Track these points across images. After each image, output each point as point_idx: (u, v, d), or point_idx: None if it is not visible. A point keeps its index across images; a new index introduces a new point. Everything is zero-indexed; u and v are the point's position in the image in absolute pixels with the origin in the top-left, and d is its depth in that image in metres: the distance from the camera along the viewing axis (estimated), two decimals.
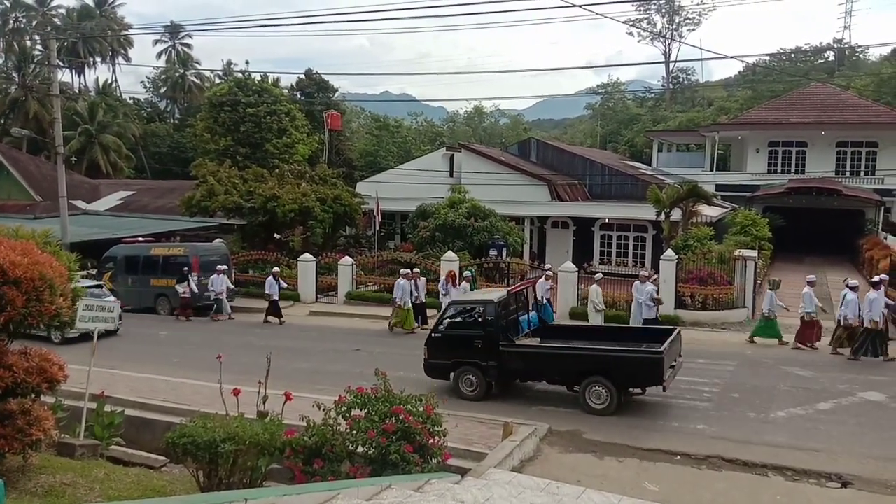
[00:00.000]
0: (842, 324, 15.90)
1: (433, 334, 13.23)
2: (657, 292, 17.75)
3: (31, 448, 7.00)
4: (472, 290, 19.03)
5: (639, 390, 11.92)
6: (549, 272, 20.67)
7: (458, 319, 13.24)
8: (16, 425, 6.78)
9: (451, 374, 12.86)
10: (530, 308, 14.36)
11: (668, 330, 13.00)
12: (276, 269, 22.89)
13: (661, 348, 11.37)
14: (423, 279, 20.87)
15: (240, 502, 4.70)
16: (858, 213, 36.60)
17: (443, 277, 21.01)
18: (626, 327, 16.67)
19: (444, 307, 14.66)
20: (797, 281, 27.84)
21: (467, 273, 20.16)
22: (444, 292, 20.26)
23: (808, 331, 16.85)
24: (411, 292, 19.86)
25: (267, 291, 21.86)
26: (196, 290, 22.75)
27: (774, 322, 17.55)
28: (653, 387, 11.52)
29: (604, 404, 11.40)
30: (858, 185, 36.53)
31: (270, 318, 21.68)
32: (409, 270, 20.76)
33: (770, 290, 17.92)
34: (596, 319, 18.16)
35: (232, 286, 23.56)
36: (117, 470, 8.16)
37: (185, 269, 22.89)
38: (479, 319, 12.76)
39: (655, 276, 18.36)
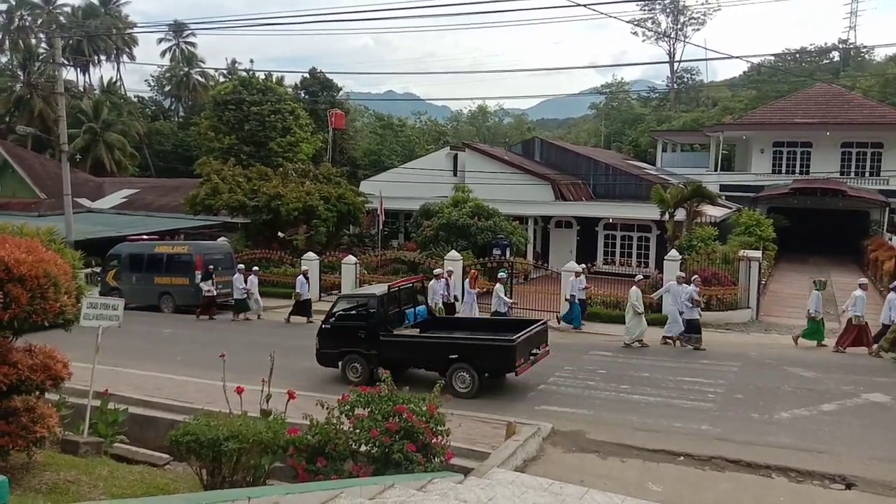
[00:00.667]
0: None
1: (324, 326, 14.27)
2: (697, 293, 17.36)
3: (35, 445, 7.01)
4: (504, 291, 18.86)
5: (503, 375, 13.15)
6: (579, 270, 20.55)
7: (346, 312, 14.35)
8: (20, 422, 6.79)
9: (340, 363, 13.95)
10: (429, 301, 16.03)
11: (535, 322, 14.27)
12: (305, 267, 22.73)
13: (513, 338, 12.40)
14: (452, 279, 20.41)
15: (243, 500, 4.71)
16: (863, 213, 36.51)
17: (465, 279, 20.55)
18: (503, 320, 17.01)
19: (334, 301, 15.62)
20: (801, 282, 27.92)
21: (502, 274, 19.47)
22: (469, 292, 19.99)
23: (852, 335, 16.50)
24: (441, 292, 19.41)
25: (297, 290, 21.41)
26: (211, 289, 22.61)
27: (821, 323, 17.26)
28: (507, 373, 12.84)
29: (468, 388, 12.49)
30: (863, 185, 36.43)
31: (294, 317, 21.29)
32: (441, 270, 20.38)
33: (816, 290, 17.56)
34: (635, 322, 17.29)
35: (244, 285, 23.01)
36: (121, 468, 8.17)
37: (211, 266, 22.75)
38: (364, 312, 13.87)
39: (696, 277, 18.05)
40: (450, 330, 14.61)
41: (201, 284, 22.54)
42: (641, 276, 19.37)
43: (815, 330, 17.17)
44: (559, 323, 19.70)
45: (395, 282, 15.56)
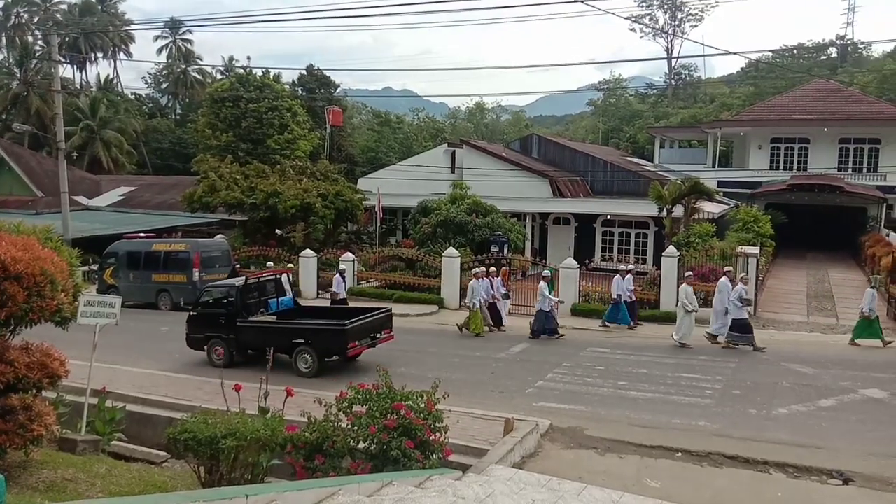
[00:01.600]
0: None
1: (192, 313, 15.79)
2: (746, 292, 16.84)
3: (32, 443, 6.99)
4: (549, 291, 18.07)
5: (336, 357, 14.41)
6: (625, 269, 20.07)
7: (210, 301, 15.74)
8: (17, 421, 6.77)
9: (205, 347, 15.23)
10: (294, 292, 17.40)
11: (377, 310, 15.46)
12: (342, 266, 22.30)
13: (345, 324, 13.92)
14: (498, 278, 19.68)
15: (241, 498, 4.70)
16: (861, 210, 36.57)
17: (497, 278, 19.76)
18: (356, 308, 17.28)
19: (200, 291, 17.21)
20: (798, 278, 27.96)
21: (547, 272, 18.84)
22: (504, 292, 19.74)
23: None
24: (485, 293, 18.68)
25: (334, 290, 20.89)
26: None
27: (875, 322, 16.64)
28: (340, 355, 14.21)
29: (309, 368, 14.07)
30: (861, 181, 36.48)
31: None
32: (482, 269, 19.62)
33: (872, 287, 17.29)
34: (686, 321, 16.87)
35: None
36: (118, 465, 8.16)
37: (238, 265, 22.39)
38: (224, 301, 15.27)
39: (744, 276, 17.59)
40: (313, 318, 15.93)
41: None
42: (549, 272, 19.00)
43: (867, 328, 16.54)
44: (606, 326, 19.18)
45: (255, 273, 17.35)
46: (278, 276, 16.77)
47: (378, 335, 14.85)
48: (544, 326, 17.92)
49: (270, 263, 23.04)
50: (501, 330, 18.99)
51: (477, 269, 19.49)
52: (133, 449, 9.59)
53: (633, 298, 19.55)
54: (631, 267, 20.27)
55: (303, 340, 14.22)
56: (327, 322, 14.82)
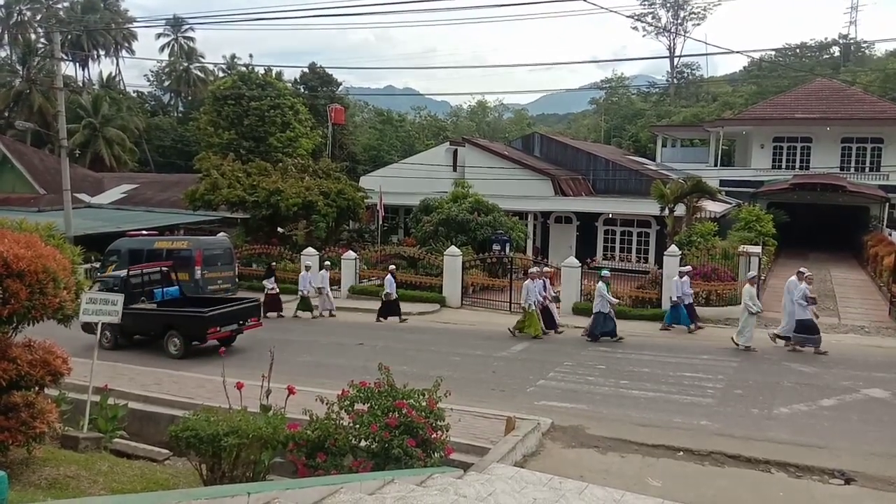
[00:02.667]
0: None
1: None
2: (810, 291, 16.26)
3: (34, 441, 7.00)
4: (607, 290, 17.58)
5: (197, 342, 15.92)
6: (685, 269, 19.12)
7: (102, 290, 16.36)
8: (20, 418, 6.79)
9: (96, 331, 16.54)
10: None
11: (244, 300, 17.63)
12: (392, 266, 22.16)
13: (207, 311, 15.76)
14: (546, 279, 19.11)
15: (243, 496, 4.70)
16: (863, 209, 36.50)
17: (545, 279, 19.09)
18: (230, 298, 19.42)
19: (92, 282, 17.72)
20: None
21: (605, 272, 18.29)
22: (550, 294, 19.20)
23: None
24: (538, 295, 18.13)
25: (387, 290, 20.69)
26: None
27: None
28: (201, 340, 15.85)
29: (178, 351, 15.79)
30: (863, 181, 36.38)
31: (384, 318, 20.54)
32: (537, 269, 19.08)
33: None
34: (750, 322, 16.32)
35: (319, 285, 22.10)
36: (121, 463, 8.18)
37: (273, 263, 22.35)
38: (112, 289, 16.27)
39: (810, 275, 16.81)
40: (193, 307, 17.11)
41: (265, 282, 22.08)
42: (608, 272, 18.39)
43: None
44: (668, 329, 18.62)
45: (139, 265, 18.68)
46: (164, 269, 18.46)
47: (245, 322, 16.63)
48: (603, 329, 17.38)
49: (328, 263, 22.88)
50: (558, 332, 18.38)
51: (533, 269, 18.99)
52: (135, 447, 9.61)
53: (692, 300, 18.82)
54: (688, 268, 19.40)
55: (172, 326, 15.99)
56: (191, 310, 16.54)
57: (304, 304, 21.52)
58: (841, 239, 36.27)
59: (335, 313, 21.77)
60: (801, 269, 16.68)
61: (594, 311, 17.67)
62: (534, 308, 17.96)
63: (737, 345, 16.18)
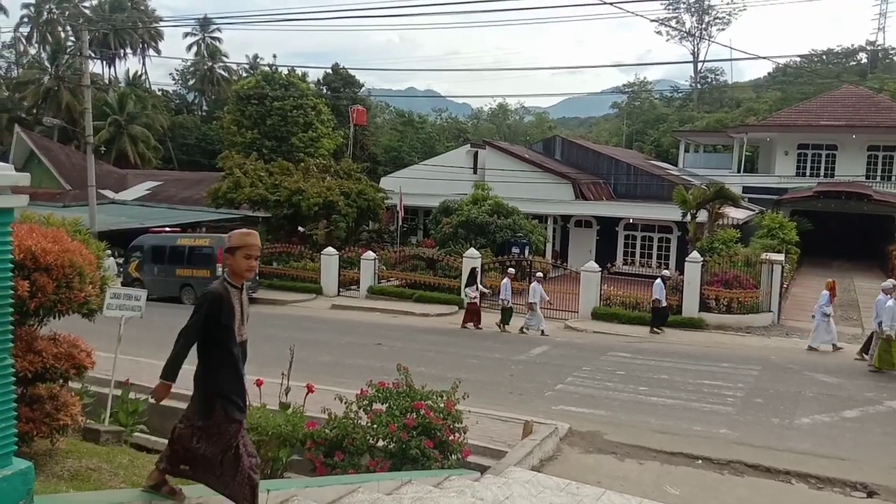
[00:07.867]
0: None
1: None
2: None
3: (58, 432, 7.07)
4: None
5: None
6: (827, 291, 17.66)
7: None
8: (44, 410, 6.85)
9: None
10: None
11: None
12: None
13: None
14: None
15: (262, 492, 4.74)
16: (889, 218, 35.89)
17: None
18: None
19: None
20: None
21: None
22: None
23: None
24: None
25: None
26: None
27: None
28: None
29: None
30: (889, 189, 35.85)
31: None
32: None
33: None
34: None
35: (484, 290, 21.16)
36: (141, 457, 8.24)
37: (475, 268, 21.00)
38: None
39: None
40: None
41: (466, 290, 20.41)
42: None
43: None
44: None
45: None
46: None
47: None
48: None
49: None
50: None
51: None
52: (155, 441, 9.67)
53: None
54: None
55: None
56: None
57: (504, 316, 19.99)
58: (865, 248, 35.75)
59: (547, 333, 19.30)
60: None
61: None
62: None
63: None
